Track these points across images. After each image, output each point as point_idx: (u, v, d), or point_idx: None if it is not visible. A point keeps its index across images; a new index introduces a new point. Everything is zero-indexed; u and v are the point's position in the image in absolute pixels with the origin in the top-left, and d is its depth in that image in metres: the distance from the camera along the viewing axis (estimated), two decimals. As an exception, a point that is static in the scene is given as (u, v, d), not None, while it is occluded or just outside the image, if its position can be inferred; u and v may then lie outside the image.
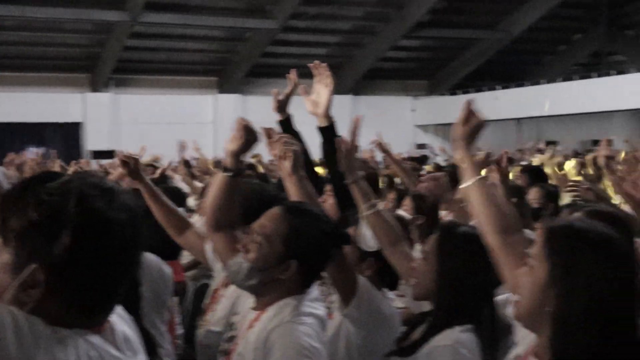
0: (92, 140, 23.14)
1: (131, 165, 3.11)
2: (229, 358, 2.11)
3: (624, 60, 29.66)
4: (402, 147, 20.63)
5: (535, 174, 5.48)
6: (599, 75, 25.43)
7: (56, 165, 8.65)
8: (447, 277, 2.15)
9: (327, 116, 2.95)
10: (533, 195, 4.37)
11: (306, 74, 3.18)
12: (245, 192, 2.67)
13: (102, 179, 1.30)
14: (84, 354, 1.19)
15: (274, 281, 2.01)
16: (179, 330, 3.79)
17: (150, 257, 3.04)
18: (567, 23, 29.33)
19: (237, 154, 2.36)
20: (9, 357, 1.09)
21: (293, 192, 2.46)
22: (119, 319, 1.36)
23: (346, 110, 26.96)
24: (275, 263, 1.99)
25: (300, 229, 2.01)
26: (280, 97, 3.05)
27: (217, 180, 2.46)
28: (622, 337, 1.43)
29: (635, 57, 28.63)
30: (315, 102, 2.93)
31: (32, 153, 12.02)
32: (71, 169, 8.60)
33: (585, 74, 26.75)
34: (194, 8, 21.85)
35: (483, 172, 2.16)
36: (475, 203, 1.95)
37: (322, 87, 2.92)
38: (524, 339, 1.71)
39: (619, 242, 1.49)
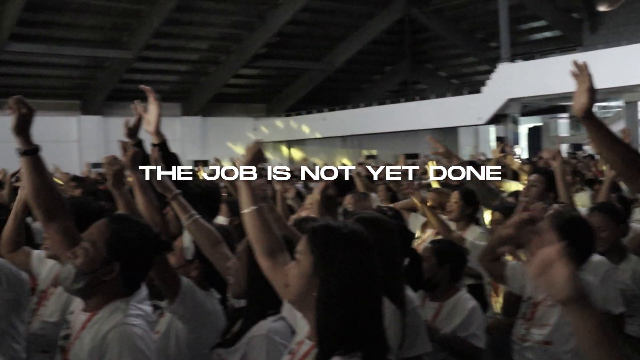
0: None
1: None
2: (66, 356, 2.17)
3: (425, 89, 33.73)
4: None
5: (344, 184, 5.79)
6: (406, 100, 28.80)
7: None
8: (256, 273, 2.17)
9: (159, 134, 3.17)
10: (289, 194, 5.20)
11: (162, 98, 3.48)
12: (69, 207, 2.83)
13: None
14: None
15: (100, 283, 2.11)
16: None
17: (6, 264, 3.23)
18: (379, 57, 32.95)
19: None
20: None
21: (119, 203, 2.79)
22: None
23: (196, 130, 29.50)
24: (100, 266, 2.10)
25: (122, 234, 2.13)
26: (130, 125, 3.20)
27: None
28: (370, 314, 1.63)
29: (434, 86, 32.88)
30: (148, 121, 3.16)
31: None
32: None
33: (395, 99, 30.11)
34: (57, 39, 23.46)
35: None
36: (250, 229, 2.06)
37: (153, 108, 3.16)
38: (303, 328, 1.85)
39: (364, 237, 1.69)
